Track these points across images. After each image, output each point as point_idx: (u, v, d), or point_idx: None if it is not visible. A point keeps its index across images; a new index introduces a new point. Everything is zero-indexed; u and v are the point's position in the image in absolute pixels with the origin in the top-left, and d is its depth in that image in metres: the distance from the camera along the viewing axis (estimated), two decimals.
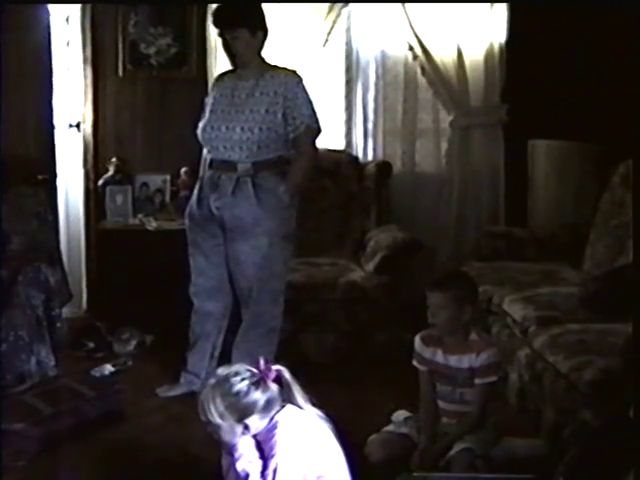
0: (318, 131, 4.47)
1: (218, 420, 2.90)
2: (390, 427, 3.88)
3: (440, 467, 3.57)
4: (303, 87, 4.43)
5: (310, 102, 4.43)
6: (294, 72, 4.49)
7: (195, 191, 4.60)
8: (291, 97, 4.36)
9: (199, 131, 4.53)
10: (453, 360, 3.75)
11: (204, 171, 4.52)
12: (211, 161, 4.48)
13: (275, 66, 4.49)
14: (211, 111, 4.48)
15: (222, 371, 3.01)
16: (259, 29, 4.41)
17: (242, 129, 4.34)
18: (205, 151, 4.54)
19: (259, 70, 4.42)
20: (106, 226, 5.86)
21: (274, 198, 4.39)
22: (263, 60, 4.48)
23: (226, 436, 2.93)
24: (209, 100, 4.56)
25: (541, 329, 4.29)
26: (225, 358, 4.41)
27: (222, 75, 4.69)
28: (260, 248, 4.39)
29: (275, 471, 2.83)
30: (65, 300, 4.95)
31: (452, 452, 3.61)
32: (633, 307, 2.64)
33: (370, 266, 5.35)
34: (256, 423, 2.91)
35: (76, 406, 4.22)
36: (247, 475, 2.87)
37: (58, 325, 4.76)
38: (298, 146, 4.47)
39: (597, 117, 5.65)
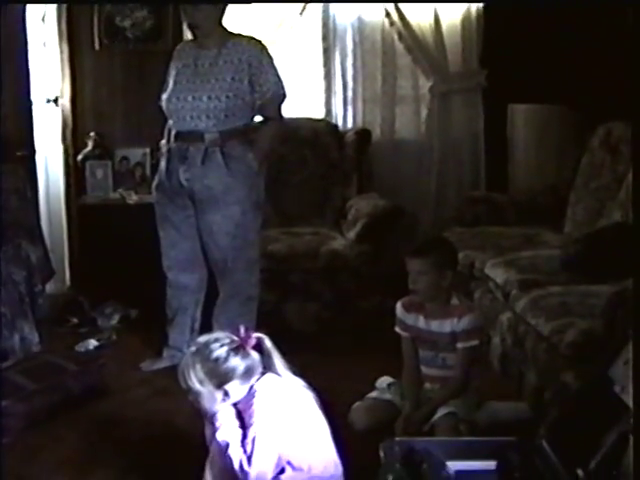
0: (284, 97, 4.47)
1: (198, 386, 2.91)
2: (374, 394, 3.90)
3: (424, 432, 3.60)
4: (267, 54, 4.42)
5: (275, 68, 4.42)
6: (257, 40, 4.45)
7: (162, 163, 4.57)
8: (256, 64, 4.34)
9: (163, 102, 4.49)
10: (435, 325, 3.77)
11: (170, 143, 4.48)
12: (177, 132, 4.45)
13: (237, 34, 4.45)
14: (175, 82, 4.44)
15: (202, 338, 3.02)
16: None
17: (209, 98, 4.32)
18: (170, 122, 4.50)
19: (221, 39, 4.38)
20: (87, 201, 5.84)
21: (244, 166, 4.39)
22: (224, 29, 4.44)
23: (206, 403, 2.94)
24: (171, 71, 4.51)
25: (523, 292, 4.32)
26: (206, 331, 4.39)
27: (183, 45, 4.66)
28: (232, 217, 4.39)
29: (254, 440, 2.84)
30: (48, 276, 4.95)
31: (436, 417, 3.63)
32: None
33: (351, 234, 5.35)
34: (236, 390, 2.92)
35: (60, 381, 4.22)
36: (227, 445, 2.89)
37: (41, 301, 4.76)
38: (265, 113, 4.47)
39: (576, 80, 5.65)
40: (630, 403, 2.66)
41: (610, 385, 2.79)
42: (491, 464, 2.94)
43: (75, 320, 5.36)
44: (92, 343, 5.02)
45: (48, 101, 5.87)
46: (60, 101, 5.91)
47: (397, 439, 3.09)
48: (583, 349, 3.58)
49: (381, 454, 2.95)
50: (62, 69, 5.87)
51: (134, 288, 5.35)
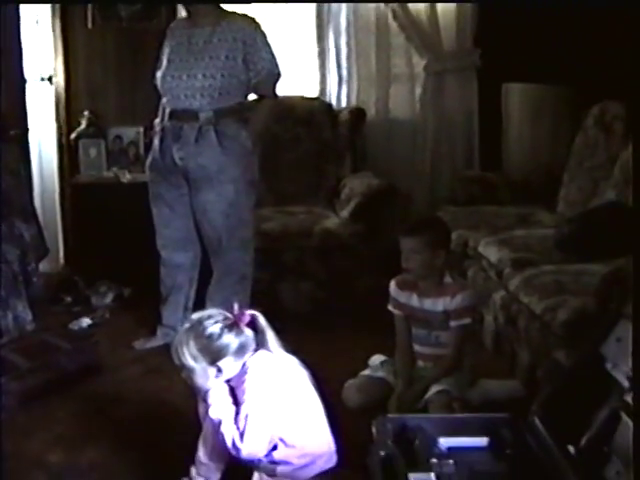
0: (278, 75, 4.46)
1: (191, 363, 2.91)
2: (367, 371, 3.92)
3: (417, 410, 3.61)
4: (261, 32, 4.40)
5: (269, 47, 4.40)
6: (251, 18, 4.44)
7: (156, 142, 4.55)
8: (250, 42, 4.33)
9: (158, 81, 4.48)
10: (428, 303, 3.78)
11: (164, 121, 4.48)
12: (171, 111, 4.43)
13: (231, 12, 4.43)
14: (169, 60, 4.43)
15: (196, 315, 3.03)
16: None
17: (204, 76, 4.31)
18: (164, 100, 4.49)
19: (215, 17, 4.37)
20: (80, 180, 5.83)
21: (237, 145, 4.38)
22: (219, 7, 4.42)
23: (199, 380, 2.95)
24: (165, 49, 4.49)
25: (516, 271, 4.32)
26: (200, 310, 4.39)
27: (177, 23, 4.65)
28: (226, 196, 4.38)
29: (247, 417, 2.85)
30: (41, 255, 4.96)
31: (429, 395, 3.65)
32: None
33: (345, 213, 5.35)
34: (229, 366, 2.93)
35: (54, 360, 4.22)
36: (220, 422, 2.89)
37: (34, 280, 4.77)
38: (259, 91, 4.47)
39: (570, 59, 5.63)
40: (622, 380, 2.68)
41: (602, 362, 2.80)
42: (483, 440, 2.96)
43: (69, 299, 5.36)
44: (86, 322, 5.02)
45: (42, 79, 5.85)
46: (54, 79, 5.88)
47: (389, 416, 3.11)
48: (576, 327, 3.59)
49: (373, 431, 2.96)
50: (55, 47, 5.83)
51: (128, 267, 5.36)
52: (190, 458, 3.16)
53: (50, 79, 5.86)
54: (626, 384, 2.66)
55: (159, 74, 4.48)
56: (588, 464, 2.63)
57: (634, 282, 2.65)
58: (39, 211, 5.25)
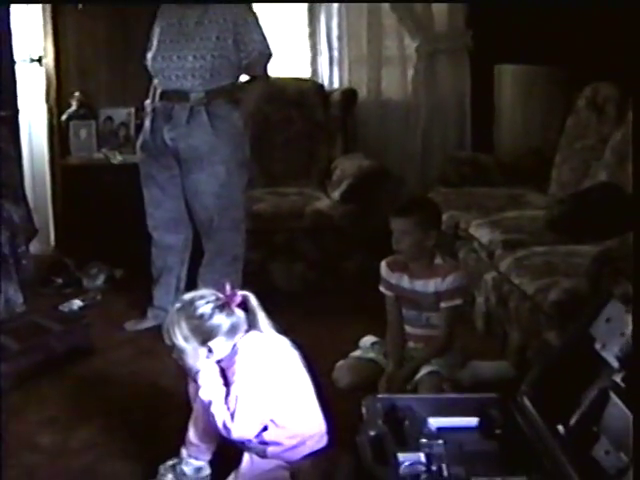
0: (269, 56, 4.45)
1: (182, 343, 2.91)
2: (357, 352, 3.93)
3: (407, 391, 3.62)
4: (252, 13, 4.40)
5: (260, 27, 4.40)
6: None
7: (147, 122, 4.55)
8: (241, 23, 4.32)
9: (148, 61, 4.46)
10: (419, 285, 3.78)
11: (155, 102, 4.47)
12: (162, 91, 4.42)
13: None
14: (159, 41, 4.41)
15: (187, 295, 3.03)
16: None
17: (194, 57, 4.29)
18: (155, 81, 4.48)
19: None
20: (71, 161, 5.80)
21: (229, 125, 4.38)
22: None
23: (190, 360, 2.95)
24: (155, 29, 4.47)
25: (507, 252, 4.32)
26: (191, 291, 4.41)
27: (168, 4, 4.62)
28: (218, 176, 4.38)
29: (237, 398, 2.85)
30: (31, 236, 4.93)
31: (419, 376, 3.66)
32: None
33: (336, 194, 5.34)
34: (220, 346, 2.92)
35: (44, 341, 4.22)
36: (211, 402, 2.90)
37: (25, 262, 4.74)
38: (251, 72, 4.46)
39: (562, 41, 5.61)
40: (611, 360, 2.68)
41: (591, 342, 2.80)
42: (473, 420, 2.96)
43: (60, 280, 5.35)
44: (77, 303, 5.02)
45: (32, 60, 5.83)
46: (43, 61, 5.86)
47: (379, 396, 3.10)
48: (566, 308, 3.59)
49: (363, 410, 2.97)
50: (45, 28, 5.81)
51: (119, 248, 5.36)
52: (181, 439, 3.16)
53: (40, 60, 5.84)
54: (615, 364, 2.66)
55: (149, 55, 4.46)
56: (577, 444, 2.64)
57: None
58: (29, 193, 5.23)
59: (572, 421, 2.71)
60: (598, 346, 2.76)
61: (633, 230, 3.00)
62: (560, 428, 2.74)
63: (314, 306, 4.93)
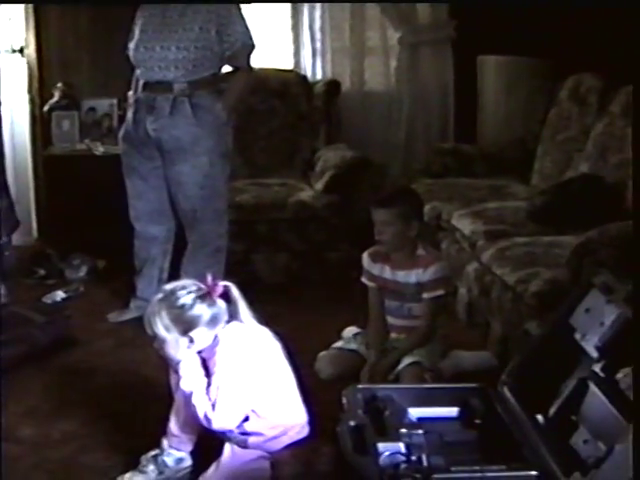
0: (252, 47, 4.44)
1: (163, 333, 2.91)
2: (339, 343, 3.94)
3: (389, 381, 3.64)
4: (236, 4, 4.39)
5: (243, 19, 4.39)
6: None
7: (129, 114, 4.53)
8: (224, 14, 4.31)
9: (131, 52, 4.44)
10: (401, 275, 3.80)
11: (138, 93, 4.46)
12: (145, 82, 4.41)
13: None
14: (142, 31, 4.39)
15: (169, 286, 3.03)
16: None
17: (177, 48, 4.28)
18: (138, 72, 4.46)
19: None
20: (53, 152, 5.77)
21: (212, 116, 4.37)
22: None
23: (171, 350, 2.95)
24: (138, 20, 4.45)
25: (489, 243, 4.34)
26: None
27: None
28: (201, 167, 4.37)
29: (218, 388, 2.86)
30: (13, 227, 4.91)
31: (401, 366, 3.68)
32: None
33: (319, 185, 5.34)
34: (201, 337, 2.92)
35: (27, 333, 4.20)
36: (192, 393, 2.90)
37: (7, 253, 4.72)
38: (234, 63, 4.46)
39: (545, 32, 5.63)
40: (590, 350, 2.70)
41: (571, 332, 2.82)
42: (453, 410, 2.98)
43: (42, 272, 5.33)
44: (59, 295, 5.00)
45: (13, 51, 5.80)
46: (25, 51, 5.83)
47: (360, 386, 3.12)
48: (547, 298, 3.61)
49: (344, 401, 2.98)
50: (26, 18, 5.78)
51: (102, 239, 5.32)
52: (162, 429, 3.16)
53: (22, 51, 5.81)
54: (595, 354, 2.68)
55: (131, 45, 4.44)
56: (556, 433, 2.66)
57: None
58: (11, 183, 5.19)
59: (551, 411, 2.74)
60: (578, 336, 2.79)
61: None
62: (539, 418, 2.76)
63: (297, 297, 4.94)
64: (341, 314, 4.36)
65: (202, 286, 2.98)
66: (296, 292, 5.02)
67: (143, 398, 3.72)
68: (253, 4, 5.70)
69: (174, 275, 4.50)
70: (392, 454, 2.57)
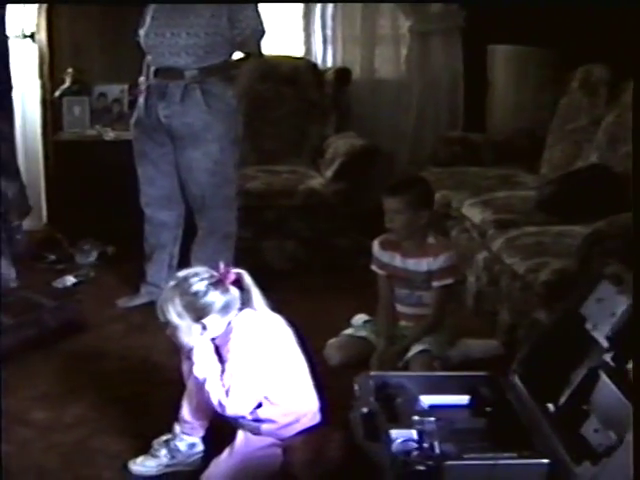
0: (263, 33, 4.44)
1: (176, 320, 2.92)
2: (349, 331, 3.95)
3: (398, 369, 3.65)
4: None
5: (254, 5, 4.40)
6: None
7: (141, 100, 4.54)
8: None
9: (142, 38, 4.45)
10: (411, 263, 3.81)
11: (149, 79, 4.46)
12: (156, 69, 4.42)
13: None
14: (153, 17, 4.39)
15: (182, 273, 3.03)
16: None
17: (188, 34, 4.28)
18: (148, 58, 4.47)
19: None
20: (63, 137, 5.79)
21: (223, 103, 4.38)
22: None
23: (184, 337, 2.96)
24: (149, 7, 4.44)
25: (499, 232, 4.34)
26: (183, 268, 4.40)
27: None
28: (211, 154, 4.38)
29: (232, 375, 2.87)
30: (24, 212, 4.93)
31: (410, 354, 3.69)
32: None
33: (329, 173, 5.35)
34: (214, 324, 2.93)
35: (37, 317, 4.22)
36: (205, 379, 2.91)
37: (18, 237, 4.75)
38: (244, 49, 4.46)
39: (556, 22, 5.62)
40: (601, 340, 2.71)
41: (582, 322, 2.83)
42: (464, 398, 2.99)
43: (52, 256, 5.35)
44: (69, 279, 5.02)
45: (24, 37, 5.80)
46: (36, 37, 5.83)
47: (372, 373, 3.13)
48: (556, 288, 3.62)
49: (355, 388, 2.99)
50: (38, 4, 5.78)
51: (112, 225, 5.34)
52: (173, 414, 3.18)
53: (33, 36, 5.81)
54: (606, 344, 2.69)
55: (142, 32, 4.45)
56: (566, 422, 2.67)
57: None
58: (22, 169, 5.20)
59: (562, 399, 2.75)
60: (589, 326, 2.80)
61: (633, 224, 3.02)
62: (550, 406, 2.77)
63: (305, 284, 4.95)
64: (349, 302, 4.38)
65: (215, 273, 2.99)
66: (305, 279, 5.02)
67: (154, 383, 3.74)
68: None
69: (184, 261, 4.52)
70: (405, 441, 2.58)
